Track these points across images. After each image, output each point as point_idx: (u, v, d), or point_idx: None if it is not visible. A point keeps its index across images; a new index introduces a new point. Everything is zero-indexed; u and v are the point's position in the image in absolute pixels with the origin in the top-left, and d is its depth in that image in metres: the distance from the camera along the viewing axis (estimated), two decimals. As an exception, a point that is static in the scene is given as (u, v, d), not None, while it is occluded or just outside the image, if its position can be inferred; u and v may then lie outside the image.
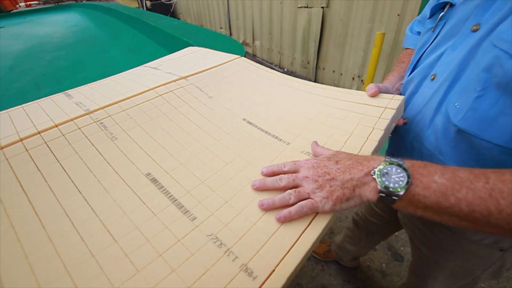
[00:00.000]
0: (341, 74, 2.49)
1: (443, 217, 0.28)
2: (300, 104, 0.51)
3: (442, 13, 0.46)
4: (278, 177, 0.34)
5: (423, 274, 0.66)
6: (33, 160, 0.36)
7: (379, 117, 0.43)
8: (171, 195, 0.34)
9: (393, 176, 0.29)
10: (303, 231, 0.30)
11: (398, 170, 0.29)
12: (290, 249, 0.28)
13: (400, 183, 0.28)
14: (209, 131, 0.45)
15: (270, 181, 0.34)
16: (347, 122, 0.44)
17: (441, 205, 0.27)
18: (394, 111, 0.43)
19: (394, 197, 0.29)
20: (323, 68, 2.67)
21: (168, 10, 5.09)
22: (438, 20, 0.47)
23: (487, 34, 0.36)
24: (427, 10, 0.57)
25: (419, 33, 0.61)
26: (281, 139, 0.43)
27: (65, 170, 0.36)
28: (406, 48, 0.64)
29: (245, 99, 0.54)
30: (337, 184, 0.31)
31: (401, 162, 0.30)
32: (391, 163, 0.30)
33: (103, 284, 0.25)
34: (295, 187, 0.33)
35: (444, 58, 0.44)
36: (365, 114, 0.44)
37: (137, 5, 5.10)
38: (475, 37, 0.37)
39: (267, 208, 0.32)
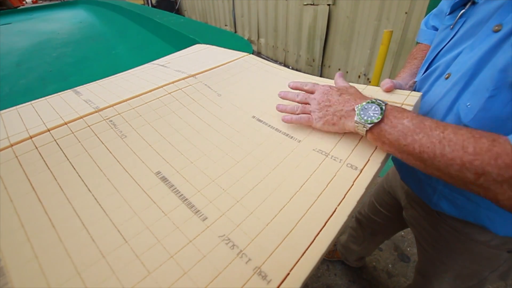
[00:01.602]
0: (347, 72, 2.47)
1: (403, 155, 0.33)
2: None
3: (463, 11, 0.44)
4: (297, 93, 0.45)
5: (429, 275, 0.65)
6: (42, 158, 0.36)
7: None
8: (182, 194, 0.33)
9: (369, 112, 0.34)
10: (318, 233, 0.29)
11: (376, 108, 0.34)
12: (305, 251, 0.27)
13: (373, 118, 0.33)
14: (218, 129, 0.44)
15: (291, 103, 0.46)
16: None
17: (400, 143, 0.32)
18: (411, 108, 0.42)
19: (364, 128, 0.34)
20: (329, 66, 2.64)
21: (173, 7, 5.08)
22: (458, 17, 0.45)
23: (508, 35, 0.35)
24: (444, 4, 0.55)
25: (434, 27, 0.60)
26: (292, 137, 0.42)
27: (74, 169, 0.35)
28: (419, 43, 0.63)
29: (255, 97, 0.53)
30: (331, 111, 0.39)
31: (381, 102, 0.34)
32: (372, 102, 0.35)
33: (114, 286, 0.24)
34: (306, 103, 0.43)
35: (461, 57, 0.42)
36: None
37: (142, 2, 5.10)
38: (496, 37, 0.36)
39: (284, 115, 0.44)
